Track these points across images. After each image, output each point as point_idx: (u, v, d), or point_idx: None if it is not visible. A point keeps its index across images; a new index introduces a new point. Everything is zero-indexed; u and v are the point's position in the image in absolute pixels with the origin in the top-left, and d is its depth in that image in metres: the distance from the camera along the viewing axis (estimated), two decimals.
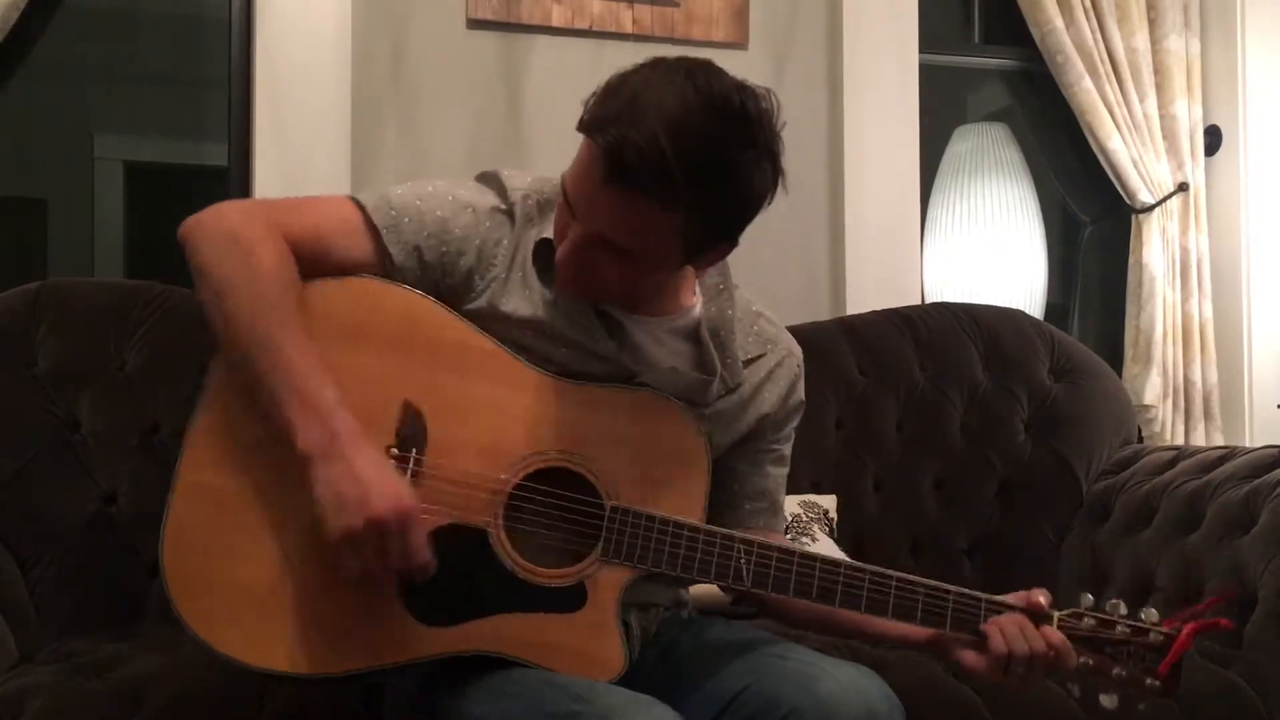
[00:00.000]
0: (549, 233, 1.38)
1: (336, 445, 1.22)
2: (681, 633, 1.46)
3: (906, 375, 2.45)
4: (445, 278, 1.37)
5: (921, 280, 2.98)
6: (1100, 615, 1.33)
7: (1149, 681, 1.31)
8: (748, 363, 1.48)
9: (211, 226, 1.32)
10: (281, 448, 1.25)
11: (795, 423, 1.56)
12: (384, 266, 1.35)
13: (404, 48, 2.56)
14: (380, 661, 1.28)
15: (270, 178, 2.48)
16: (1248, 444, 3.00)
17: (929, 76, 2.96)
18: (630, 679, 1.30)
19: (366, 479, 1.21)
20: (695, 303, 1.48)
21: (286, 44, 2.49)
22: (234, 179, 2.57)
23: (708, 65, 1.27)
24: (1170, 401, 3.02)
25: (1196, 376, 3.03)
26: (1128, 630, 1.32)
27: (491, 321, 1.36)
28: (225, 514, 1.28)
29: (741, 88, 1.25)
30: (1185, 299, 3.05)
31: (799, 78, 2.84)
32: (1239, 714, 1.68)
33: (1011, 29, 3.12)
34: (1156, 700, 1.32)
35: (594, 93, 1.28)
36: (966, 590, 1.34)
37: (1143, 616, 1.33)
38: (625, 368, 1.39)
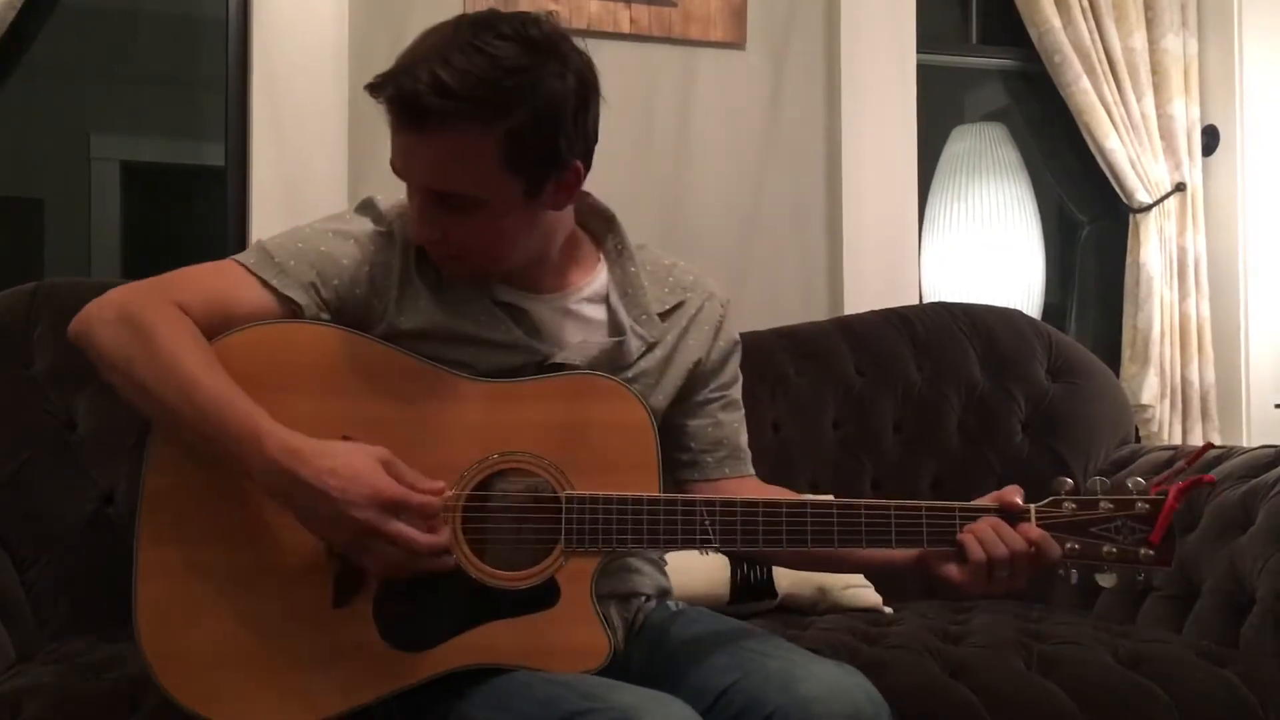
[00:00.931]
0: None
1: (284, 470, 1.20)
2: (669, 625, 1.46)
3: (904, 375, 2.45)
4: (345, 311, 1.37)
5: (919, 280, 2.98)
6: (1080, 497, 1.32)
7: (1143, 552, 1.30)
8: (665, 314, 1.48)
9: (100, 315, 1.30)
10: (234, 502, 1.26)
11: (735, 364, 1.55)
12: (288, 314, 1.35)
13: (402, 47, 2.54)
14: (370, 697, 1.28)
15: (267, 177, 2.48)
16: (1245, 444, 3.00)
17: (926, 76, 2.96)
18: (619, 672, 1.30)
19: (331, 489, 1.19)
20: (599, 270, 1.48)
21: (284, 44, 2.49)
22: (231, 179, 2.57)
23: (486, 11, 1.31)
24: (1168, 401, 3.02)
25: (1194, 376, 3.04)
26: (1111, 506, 1.31)
27: (395, 341, 1.36)
28: (191, 584, 1.27)
29: (517, 16, 1.29)
30: (1182, 299, 3.06)
31: (797, 78, 2.84)
32: (1236, 714, 1.68)
33: (1009, 29, 3.12)
34: (1153, 569, 1.31)
35: None
36: (939, 503, 1.34)
37: (1129, 485, 1.32)
38: (535, 351, 1.38)
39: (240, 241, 2.53)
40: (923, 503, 1.33)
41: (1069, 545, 1.31)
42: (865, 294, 2.76)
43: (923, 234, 3.06)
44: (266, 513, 1.28)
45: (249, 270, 1.35)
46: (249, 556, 1.27)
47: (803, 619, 2.05)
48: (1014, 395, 2.44)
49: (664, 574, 1.57)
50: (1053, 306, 3.22)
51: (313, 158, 2.49)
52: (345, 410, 1.31)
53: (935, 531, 1.32)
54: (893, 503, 1.33)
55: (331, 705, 1.28)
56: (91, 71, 2.72)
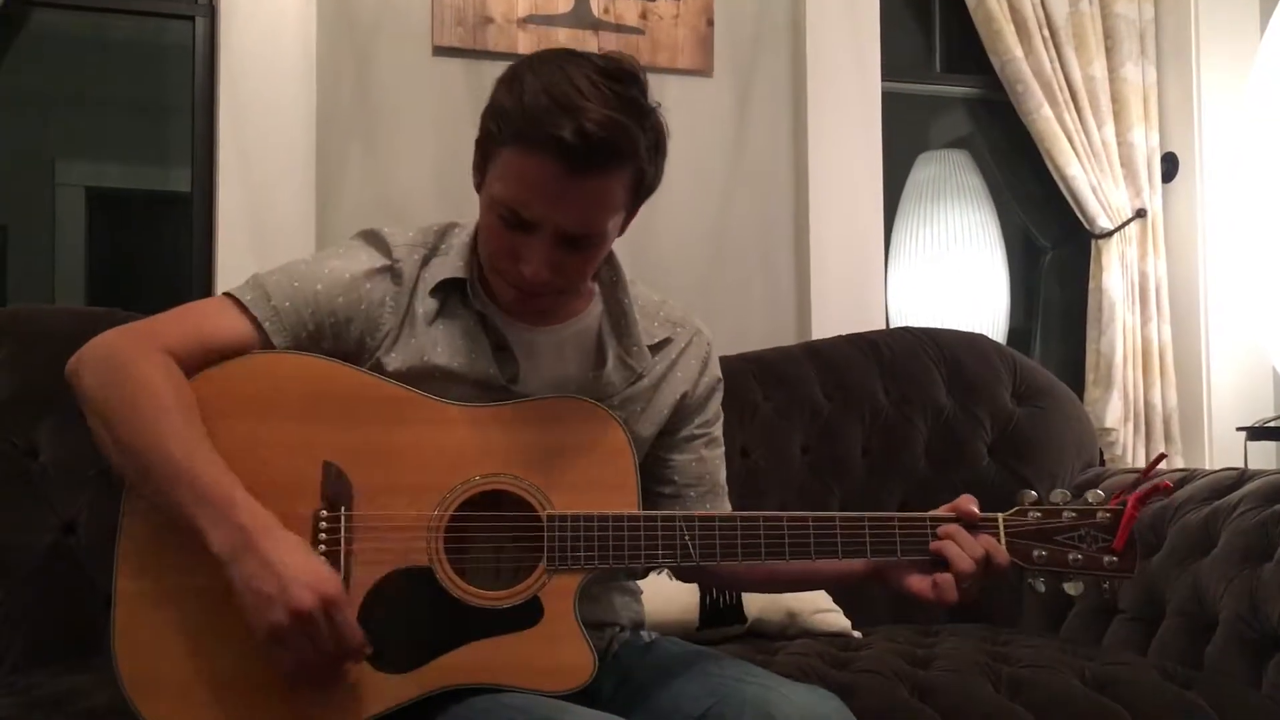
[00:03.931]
0: (446, 274, 1.39)
1: (246, 540, 1.20)
2: (642, 656, 1.46)
3: (871, 399, 2.46)
4: (336, 349, 1.37)
5: (885, 305, 3.00)
6: (1045, 506, 1.36)
7: (1107, 559, 1.34)
8: (655, 348, 1.49)
9: (89, 355, 1.31)
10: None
11: (718, 402, 1.56)
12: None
13: (369, 75, 2.56)
14: (356, 719, 1.27)
15: (234, 203, 2.47)
16: (1207, 466, 3.03)
17: (891, 104, 3.00)
18: (590, 700, 1.30)
19: (282, 570, 1.19)
20: (595, 301, 1.49)
21: (250, 70, 2.48)
22: (197, 205, 2.56)
23: (572, 50, 1.34)
24: (1131, 424, 3.06)
25: (1156, 399, 3.08)
26: (1074, 515, 1.34)
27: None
28: (170, 614, 1.27)
29: (613, 57, 1.33)
30: (1144, 323, 3.10)
31: (763, 105, 2.86)
32: None
33: (972, 58, 3.17)
34: (1117, 576, 1.34)
35: (485, 114, 1.33)
36: (908, 514, 1.36)
37: (1088, 498, 1.35)
38: (515, 396, 1.39)
39: (206, 268, 2.51)
40: (894, 514, 1.36)
41: (1036, 553, 1.34)
42: (832, 319, 2.78)
43: (889, 259, 3.09)
44: None
45: (243, 309, 1.35)
46: (227, 582, 1.25)
47: (771, 644, 2.05)
48: (980, 419, 2.46)
49: (640, 604, 1.57)
50: (1017, 331, 3.26)
51: (279, 184, 2.48)
52: (327, 437, 1.32)
53: (909, 541, 1.35)
54: (866, 515, 1.35)
55: None
56: (57, 97, 2.70)
